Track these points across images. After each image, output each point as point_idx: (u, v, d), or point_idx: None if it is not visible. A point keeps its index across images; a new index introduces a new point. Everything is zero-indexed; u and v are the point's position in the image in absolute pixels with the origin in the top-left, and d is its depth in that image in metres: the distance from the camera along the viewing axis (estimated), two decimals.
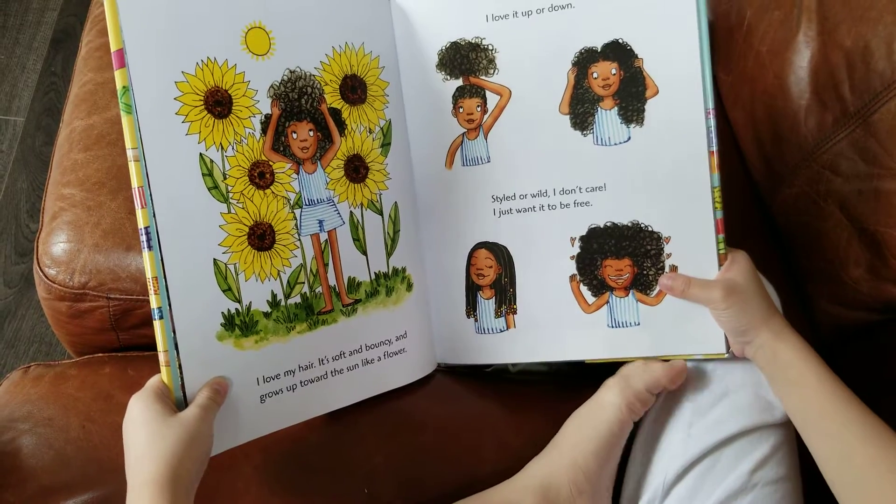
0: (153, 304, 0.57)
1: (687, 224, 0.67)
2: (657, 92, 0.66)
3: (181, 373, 0.58)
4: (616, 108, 0.68)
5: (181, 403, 0.58)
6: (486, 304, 0.72)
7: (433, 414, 0.74)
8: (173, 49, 0.59)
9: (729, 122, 0.93)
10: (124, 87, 0.56)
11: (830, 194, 0.76)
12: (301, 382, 0.65)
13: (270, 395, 0.63)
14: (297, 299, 0.64)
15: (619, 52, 0.67)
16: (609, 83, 0.67)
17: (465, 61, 0.70)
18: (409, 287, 0.71)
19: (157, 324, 0.58)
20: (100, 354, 0.76)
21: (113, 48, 0.56)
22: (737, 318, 0.63)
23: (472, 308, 0.73)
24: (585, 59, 0.68)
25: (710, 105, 0.65)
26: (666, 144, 0.66)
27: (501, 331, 0.72)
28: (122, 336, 0.77)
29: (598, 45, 0.67)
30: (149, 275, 0.57)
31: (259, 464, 0.67)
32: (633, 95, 0.67)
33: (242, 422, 0.62)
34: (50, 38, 1.64)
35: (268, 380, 0.63)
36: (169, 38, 0.58)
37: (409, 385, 0.73)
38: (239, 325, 0.61)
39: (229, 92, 0.61)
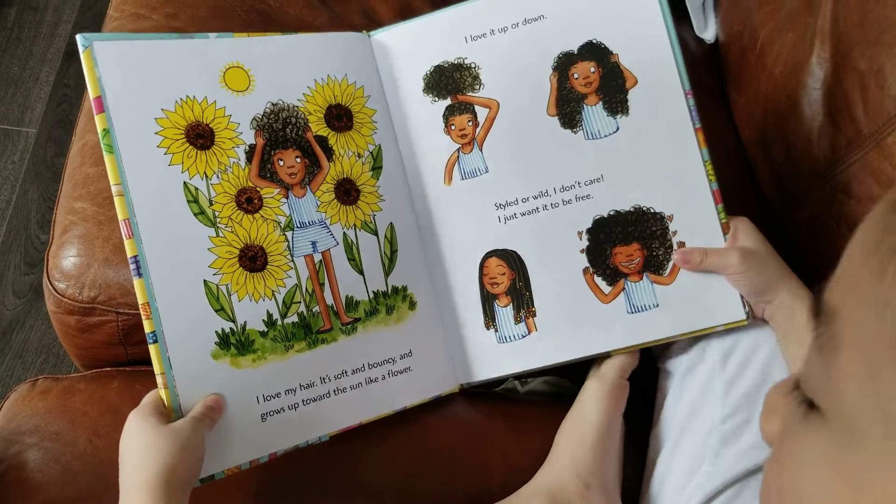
0: (146, 328, 0.59)
1: (686, 200, 0.68)
2: (637, 82, 0.69)
3: (177, 392, 0.59)
4: (601, 103, 0.70)
5: None
6: (504, 312, 0.72)
7: (441, 434, 0.72)
8: (151, 91, 0.62)
9: (741, 142, 0.93)
10: (105, 129, 0.59)
11: (843, 217, 0.76)
12: (303, 401, 0.65)
13: (272, 413, 0.63)
14: (294, 318, 0.65)
15: (594, 51, 0.70)
16: (590, 81, 0.70)
17: (451, 81, 0.72)
18: (412, 306, 0.71)
19: (152, 348, 0.59)
20: (108, 368, 0.76)
21: (92, 95, 0.59)
22: (755, 278, 0.65)
23: (490, 319, 0.72)
24: (564, 63, 0.70)
25: (688, 87, 0.69)
26: (653, 128, 0.69)
27: (523, 336, 0.71)
28: (130, 351, 0.77)
29: (575, 48, 0.70)
30: (140, 301, 0.59)
31: (266, 479, 0.67)
32: (614, 88, 0.70)
33: (244, 440, 0.62)
34: (63, 50, 1.65)
35: (268, 398, 0.63)
36: (146, 82, 0.61)
37: (422, 405, 0.72)
38: (234, 343, 0.62)
39: (211, 126, 0.64)
